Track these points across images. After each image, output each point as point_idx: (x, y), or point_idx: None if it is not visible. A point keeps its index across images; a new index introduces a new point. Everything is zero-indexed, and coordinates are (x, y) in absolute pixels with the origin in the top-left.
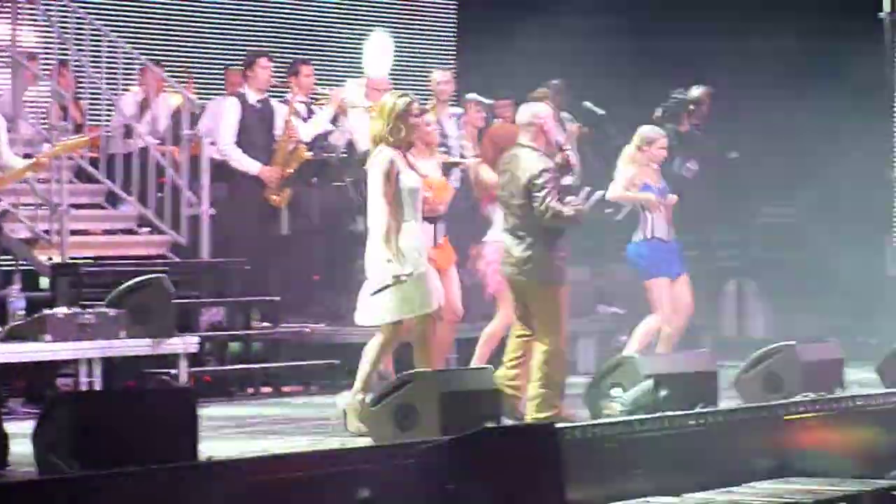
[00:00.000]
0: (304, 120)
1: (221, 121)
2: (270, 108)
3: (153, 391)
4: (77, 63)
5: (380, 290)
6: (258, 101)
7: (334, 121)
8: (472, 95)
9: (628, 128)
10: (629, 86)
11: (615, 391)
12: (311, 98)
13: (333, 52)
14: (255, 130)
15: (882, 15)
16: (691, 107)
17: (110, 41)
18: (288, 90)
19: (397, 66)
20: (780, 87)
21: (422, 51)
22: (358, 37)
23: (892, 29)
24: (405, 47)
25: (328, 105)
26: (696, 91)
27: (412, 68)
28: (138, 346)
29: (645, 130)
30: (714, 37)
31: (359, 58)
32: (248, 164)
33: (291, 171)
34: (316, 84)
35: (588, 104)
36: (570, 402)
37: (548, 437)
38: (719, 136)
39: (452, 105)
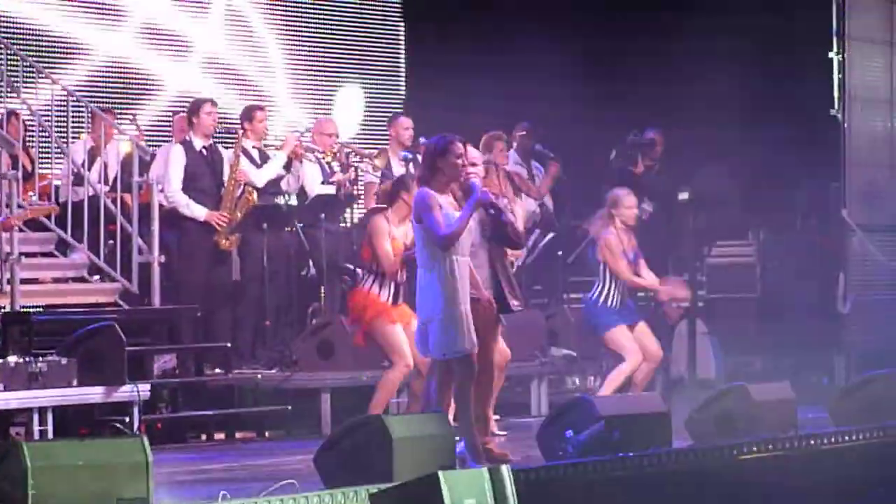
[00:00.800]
0: (258, 165)
1: (168, 167)
2: (218, 153)
3: (105, 438)
4: (27, 111)
5: None
6: (204, 147)
7: (288, 166)
8: (423, 139)
9: (583, 170)
10: (583, 129)
11: (568, 433)
12: (265, 144)
13: (286, 98)
14: (203, 176)
15: (831, 55)
16: (645, 149)
17: (61, 88)
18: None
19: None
20: (732, 127)
21: (372, 96)
22: (311, 83)
23: (840, 68)
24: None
25: (282, 150)
26: (649, 133)
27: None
28: (90, 394)
29: (613, 192)
30: (667, 79)
31: (311, 103)
32: (195, 210)
33: (240, 216)
34: (269, 130)
35: (539, 147)
36: (523, 444)
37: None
38: (671, 176)
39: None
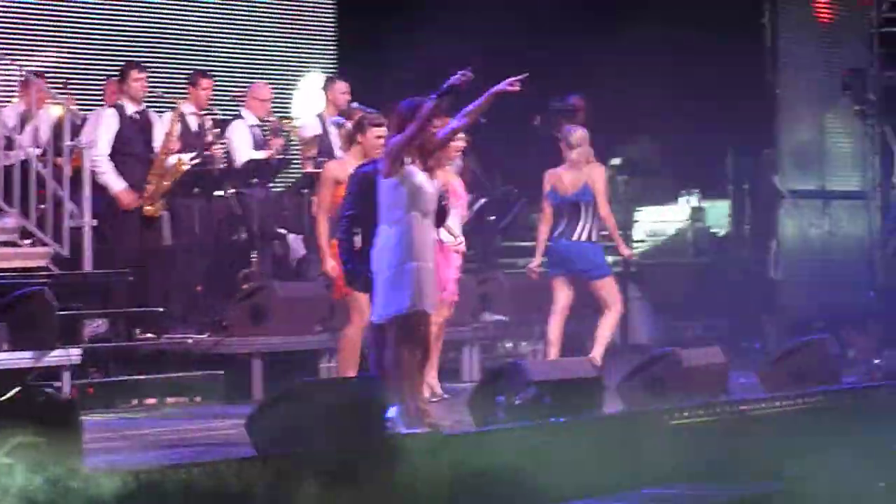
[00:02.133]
0: (197, 133)
1: (98, 131)
2: (148, 119)
3: (36, 402)
4: None
5: None
6: (136, 112)
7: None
8: (356, 105)
9: (507, 138)
10: (508, 94)
11: (500, 398)
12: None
13: (218, 63)
14: (134, 141)
15: (764, 20)
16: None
17: None
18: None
19: (280, 75)
20: (663, 94)
21: (303, 60)
22: (238, 48)
23: (773, 35)
24: (287, 57)
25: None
26: (571, 99)
27: (293, 77)
28: (21, 359)
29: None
30: (593, 44)
31: (238, 70)
32: (111, 181)
33: (167, 183)
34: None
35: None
36: (455, 410)
37: None
38: (599, 142)
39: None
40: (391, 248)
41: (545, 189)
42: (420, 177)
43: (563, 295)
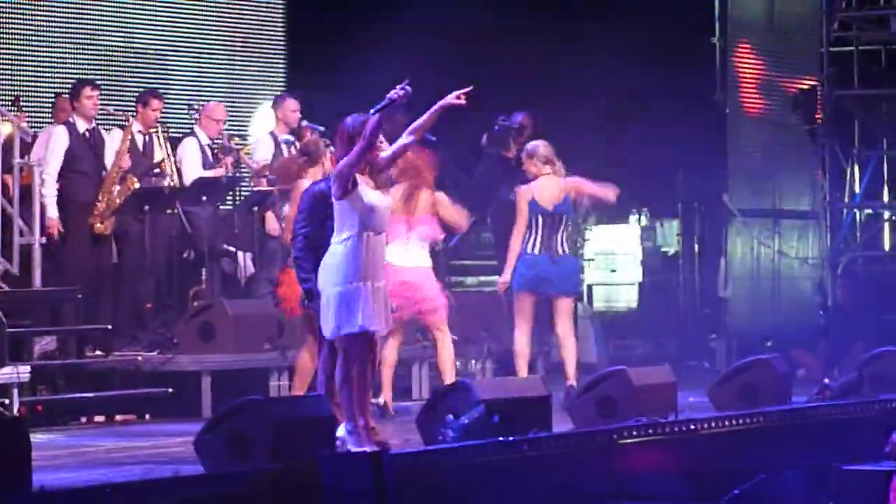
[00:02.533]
0: (142, 151)
1: (48, 149)
2: (100, 136)
3: None
4: None
5: None
6: (87, 129)
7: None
8: (305, 122)
9: (454, 156)
10: (452, 112)
11: (448, 417)
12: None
13: (170, 80)
14: (85, 159)
15: (714, 40)
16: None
17: None
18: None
19: (231, 93)
20: (614, 112)
21: (254, 79)
22: (190, 66)
23: (723, 54)
24: (237, 75)
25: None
26: (517, 118)
27: (243, 96)
28: None
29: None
30: (540, 62)
31: (190, 87)
32: (48, 207)
33: (118, 202)
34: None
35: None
36: (404, 428)
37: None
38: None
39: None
40: (342, 266)
41: (523, 204)
42: (371, 195)
43: (530, 308)
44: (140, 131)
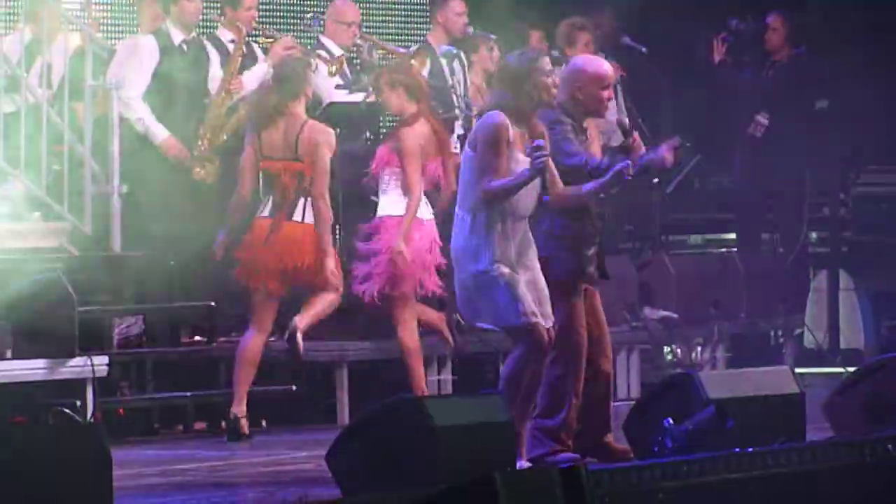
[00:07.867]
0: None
1: (132, 66)
2: (203, 50)
3: (50, 429)
4: None
5: None
6: (184, 40)
7: None
8: (474, 30)
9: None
10: (671, 20)
11: (667, 421)
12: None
13: None
14: (179, 81)
15: None
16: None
17: None
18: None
19: None
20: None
21: None
22: None
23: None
24: None
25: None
26: (769, 18)
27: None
28: (29, 370)
29: None
30: None
31: None
32: (151, 129)
33: (225, 137)
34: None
35: (627, 40)
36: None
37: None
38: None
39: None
40: None
41: None
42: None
43: None
44: (232, 40)
